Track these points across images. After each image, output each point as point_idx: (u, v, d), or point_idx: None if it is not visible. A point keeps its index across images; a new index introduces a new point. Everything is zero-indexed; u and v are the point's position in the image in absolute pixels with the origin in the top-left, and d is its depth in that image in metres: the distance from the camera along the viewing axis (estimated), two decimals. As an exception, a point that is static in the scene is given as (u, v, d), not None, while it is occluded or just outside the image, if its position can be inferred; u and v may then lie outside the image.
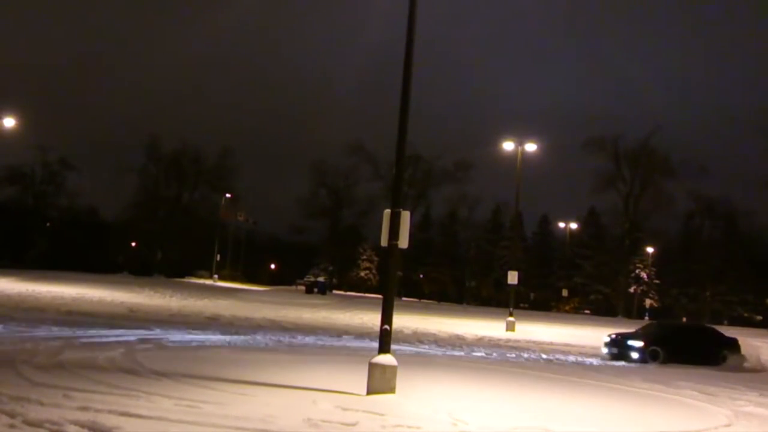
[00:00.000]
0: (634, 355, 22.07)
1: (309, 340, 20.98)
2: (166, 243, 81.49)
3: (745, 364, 22.25)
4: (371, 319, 31.31)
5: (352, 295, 70.64)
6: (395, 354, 11.54)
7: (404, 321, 30.54)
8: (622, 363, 21.49)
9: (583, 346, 26.29)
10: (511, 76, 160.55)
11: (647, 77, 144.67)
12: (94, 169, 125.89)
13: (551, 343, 27.05)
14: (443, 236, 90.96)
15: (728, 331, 47.29)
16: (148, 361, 12.81)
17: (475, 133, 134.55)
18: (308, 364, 14.77)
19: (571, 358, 22.12)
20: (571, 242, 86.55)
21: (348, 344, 20.69)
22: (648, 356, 21.90)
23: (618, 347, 22.70)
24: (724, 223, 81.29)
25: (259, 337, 20.16)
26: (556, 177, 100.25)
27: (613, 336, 23.75)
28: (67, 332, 17.09)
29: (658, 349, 22.11)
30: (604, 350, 23.20)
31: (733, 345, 23.24)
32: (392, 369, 11.05)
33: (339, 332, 24.71)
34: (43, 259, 72.35)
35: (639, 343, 22.44)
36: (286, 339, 20.49)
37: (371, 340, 20.95)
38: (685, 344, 22.88)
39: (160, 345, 15.98)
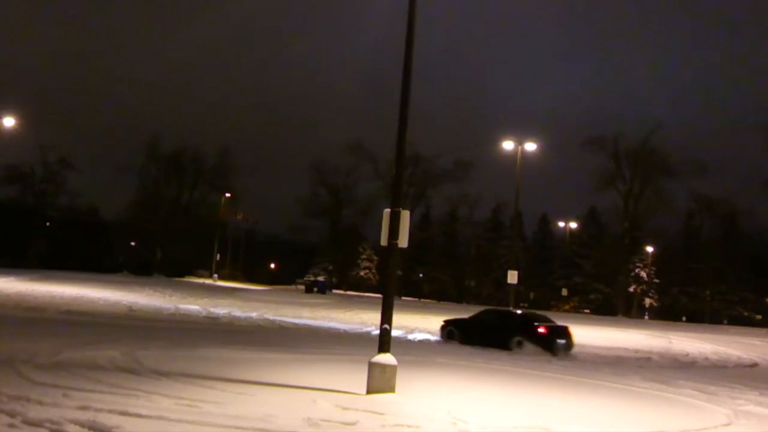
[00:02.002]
0: (439, 334, 24.84)
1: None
2: (166, 242, 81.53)
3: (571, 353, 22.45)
4: (371, 318, 31.33)
5: (352, 295, 70.64)
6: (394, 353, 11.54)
7: (404, 320, 30.56)
8: (438, 339, 24.48)
9: (583, 345, 26.26)
10: (512, 76, 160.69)
11: (647, 77, 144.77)
12: (94, 169, 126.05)
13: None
14: (443, 235, 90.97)
15: (728, 331, 47.42)
16: (147, 360, 12.80)
17: (475, 132, 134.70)
18: (308, 363, 14.76)
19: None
20: (570, 241, 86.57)
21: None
22: (445, 336, 24.20)
23: (441, 329, 25.04)
24: (724, 222, 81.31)
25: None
26: (556, 176, 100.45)
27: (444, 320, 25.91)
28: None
29: (454, 330, 24.20)
30: (442, 332, 25.07)
31: (532, 330, 22.62)
32: (392, 368, 11.04)
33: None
34: (43, 258, 72.32)
35: (440, 323, 25.25)
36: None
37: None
38: (481, 328, 23.91)
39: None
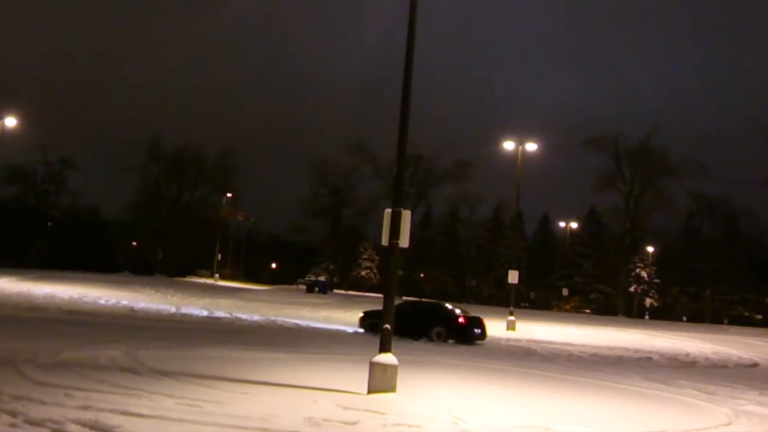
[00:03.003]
0: (358, 326, 25.37)
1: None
2: (167, 242, 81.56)
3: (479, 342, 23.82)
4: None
5: (353, 294, 70.61)
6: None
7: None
8: (360, 330, 24.85)
9: (584, 345, 26.31)
10: (512, 76, 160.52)
11: (647, 77, 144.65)
12: (96, 169, 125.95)
13: (552, 342, 27.05)
14: (444, 235, 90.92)
15: (728, 331, 47.44)
16: (149, 360, 12.82)
17: (475, 132, 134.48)
18: (309, 362, 14.79)
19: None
20: (571, 241, 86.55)
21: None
22: (368, 327, 24.30)
23: (360, 320, 25.66)
24: (724, 222, 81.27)
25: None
26: (556, 176, 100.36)
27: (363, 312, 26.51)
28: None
29: (376, 321, 23.51)
30: (362, 323, 25.60)
31: (451, 321, 24.09)
32: (393, 368, 11.06)
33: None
34: (44, 258, 72.36)
35: (360, 315, 25.77)
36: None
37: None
38: (400, 318, 24.00)
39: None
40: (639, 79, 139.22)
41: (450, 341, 23.27)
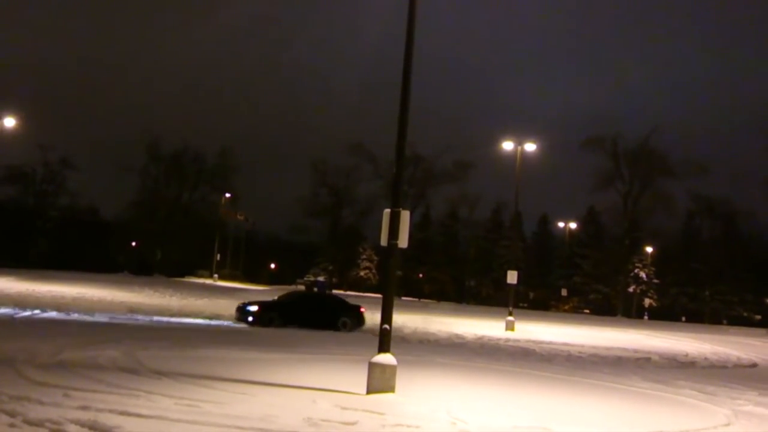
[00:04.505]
0: (250, 318, 24.36)
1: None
2: (166, 242, 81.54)
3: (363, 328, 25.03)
4: (371, 318, 31.25)
5: (352, 295, 70.55)
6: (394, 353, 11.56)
7: (404, 320, 30.57)
8: (242, 325, 23.92)
9: (583, 345, 26.32)
10: (512, 76, 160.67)
11: (647, 77, 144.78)
12: (95, 169, 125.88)
13: (551, 342, 27.06)
14: (443, 236, 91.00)
15: (728, 332, 47.51)
16: (148, 360, 12.82)
17: (475, 132, 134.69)
18: (308, 363, 14.77)
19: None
20: (570, 242, 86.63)
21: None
22: (264, 320, 24.05)
23: (240, 312, 24.94)
24: (724, 223, 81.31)
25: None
26: (555, 176, 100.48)
27: (240, 302, 26.21)
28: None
29: (275, 314, 24.52)
30: (235, 314, 25.24)
31: (355, 312, 25.94)
32: (392, 368, 11.06)
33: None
34: (43, 258, 72.37)
35: (254, 308, 24.87)
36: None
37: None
38: (303, 311, 25.32)
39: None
40: (639, 79, 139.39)
41: (350, 330, 24.55)
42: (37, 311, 23.19)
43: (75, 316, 22.81)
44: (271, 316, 24.46)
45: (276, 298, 27.61)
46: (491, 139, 73.20)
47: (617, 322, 55.25)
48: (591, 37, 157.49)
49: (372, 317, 27.08)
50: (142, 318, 24.38)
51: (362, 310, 26.04)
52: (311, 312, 25.29)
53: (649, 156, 79.61)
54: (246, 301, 26.52)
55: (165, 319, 24.90)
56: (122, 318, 23.58)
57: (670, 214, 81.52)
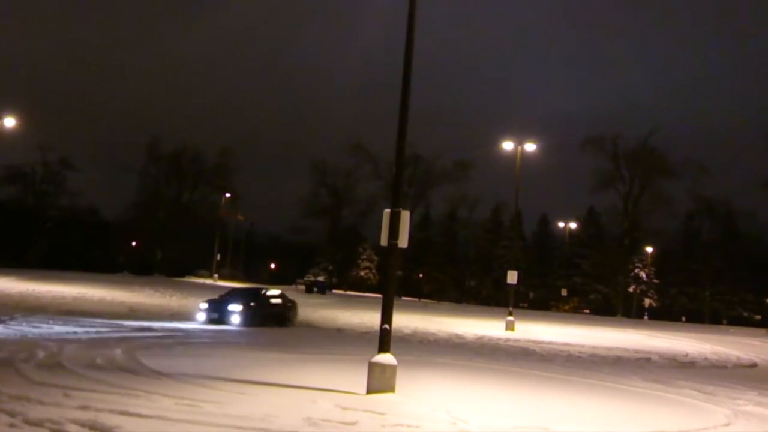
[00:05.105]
0: (235, 319, 23.52)
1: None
2: (166, 242, 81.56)
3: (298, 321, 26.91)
4: (371, 318, 31.31)
5: (352, 295, 70.66)
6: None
7: (404, 320, 30.57)
8: (222, 327, 22.75)
9: (583, 345, 26.31)
10: (512, 76, 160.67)
11: (647, 78, 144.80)
12: (95, 169, 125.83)
13: (551, 342, 27.06)
14: (443, 236, 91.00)
15: (727, 332, 47.49)
16: (148, 360, 12.82)
17: (475, 133, 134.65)
18: (308, 363, 14.78)
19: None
20: (570, 242, 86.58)
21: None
22: (247, 320, 23.69)
23: (218, 312, 23.72)
24: (724, 223, 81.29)
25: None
26: (555, 177, 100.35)
27: (211, 301, 24.88)
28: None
29: (245, 312, 24.06)
30: (202, 316, 24.00)
31: (294, 306, 27.28)
32: (392, 368, 11.06)
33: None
34: (43, 258, 72.37)
35: (239, 308, 23.84)
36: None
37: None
38: (265, 308, 25.34)
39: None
40: (639, 79, 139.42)
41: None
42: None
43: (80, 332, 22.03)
44: (245, 313, 23.91)
45: (225, 295, 26.62)
46: (491, 139, 73.36)
47: (617, 322, 55.25)
48: (591, 37, 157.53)
49: (372, 317, 27.25)
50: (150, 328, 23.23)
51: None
52: (271, 308, 25.85)
53: (649, 156, 79.61)
54: (212, 299, 25.47)
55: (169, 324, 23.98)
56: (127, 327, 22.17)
57: (670, 214, 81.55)
